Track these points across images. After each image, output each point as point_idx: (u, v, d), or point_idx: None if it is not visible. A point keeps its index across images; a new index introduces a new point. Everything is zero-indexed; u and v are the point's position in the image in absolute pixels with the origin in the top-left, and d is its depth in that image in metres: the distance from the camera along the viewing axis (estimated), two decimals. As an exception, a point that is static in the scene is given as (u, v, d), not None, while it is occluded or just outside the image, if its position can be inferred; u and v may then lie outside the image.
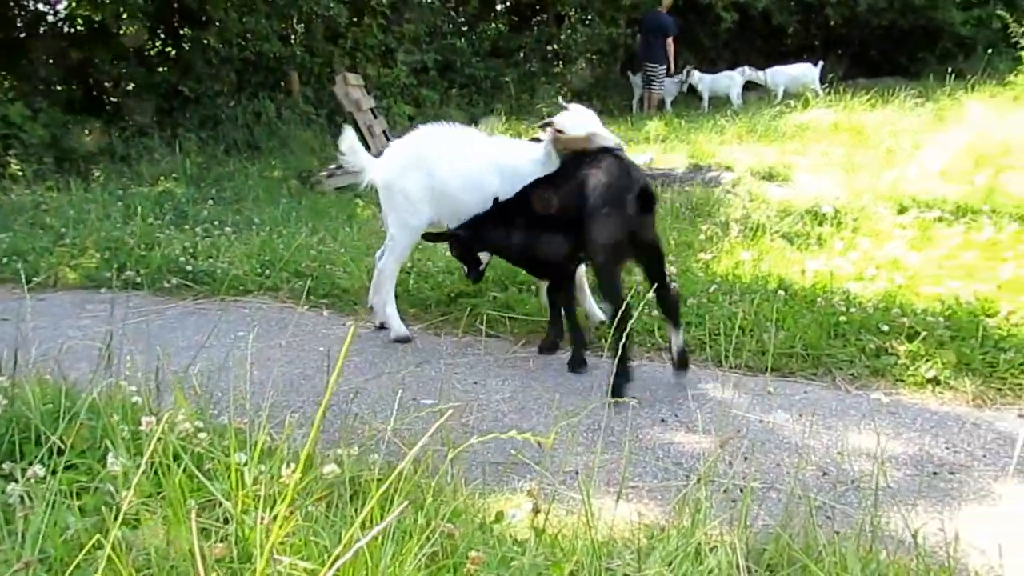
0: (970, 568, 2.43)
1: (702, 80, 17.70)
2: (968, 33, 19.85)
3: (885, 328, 4.25)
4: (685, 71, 17.62)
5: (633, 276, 4.99)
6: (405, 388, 3.96)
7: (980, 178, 6.94)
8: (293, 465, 2.18)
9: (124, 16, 15.27)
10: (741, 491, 2.77)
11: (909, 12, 19.82)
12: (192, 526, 1.22)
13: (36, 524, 1.94)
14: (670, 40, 16.62)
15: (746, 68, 17.18)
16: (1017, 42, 12.78)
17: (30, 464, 2.24)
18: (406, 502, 1.70)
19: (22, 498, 2.14)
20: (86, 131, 14.04)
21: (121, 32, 15.52)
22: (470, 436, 1.86)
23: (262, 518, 1.76)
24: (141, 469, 1.68)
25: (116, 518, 1.87)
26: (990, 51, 16.61)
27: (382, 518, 1.75)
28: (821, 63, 16.54)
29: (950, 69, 14.13)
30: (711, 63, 19.09)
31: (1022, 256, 5.11)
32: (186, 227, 8.06)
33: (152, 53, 16.93)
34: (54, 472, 2.15)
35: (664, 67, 16.85)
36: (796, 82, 16.06)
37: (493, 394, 4.00)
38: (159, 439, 2.09)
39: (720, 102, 17.32)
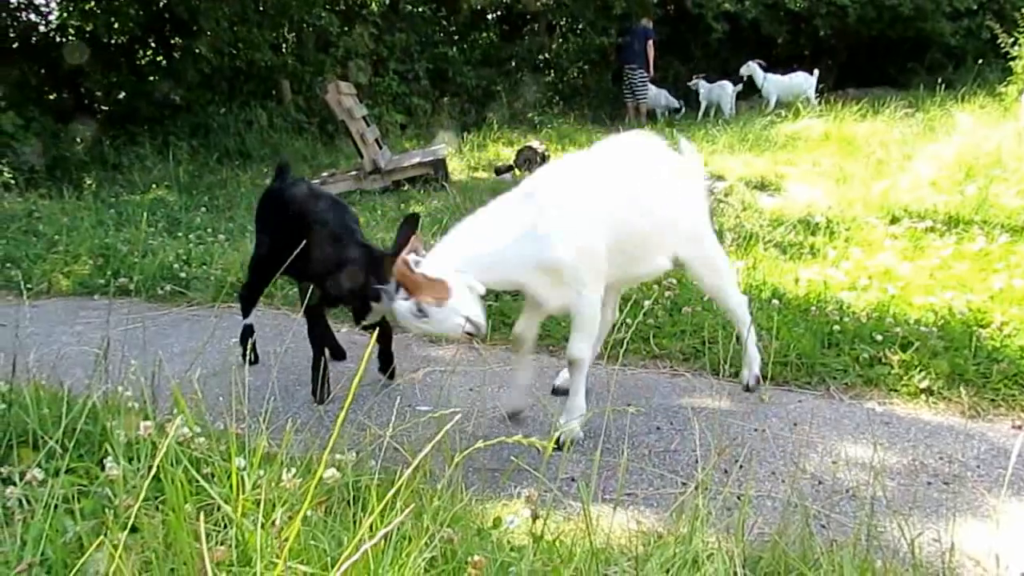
0: (965, 578, 2.45)
1: (701, 89, 17.80)
2: (957, 44, 20.03)
3: (879, 338, 4.26)
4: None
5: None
6: (402, 395, 3.96)
7: (971, 189, 6.98)
8: (293, 470, 2.19)
9: (115, 26, 15.29)
10: (738, 499, 2.78)
11: (898, 23, 19.96)
12: (200, 529, 1.22)
13: (36, 527, 1.93)
14: (651, 43, 16.81)
15: (751, 63, 17.09)
16: (1007, 53, 12.88)
17: (28, 468, 2.24)
18: (411, 505, 1.70)
19: (21, 502, 2.14)
20: (77, 139, 14.04)
21: (112, 42, 15.54)
22: (468, 443, 1.86)
23: (271, 523, 1.76)
24: (145, 475, 1.68)
25: (116, 522, 1.88)
26: (979, 62, 16.72)
27: (382, 523, 1.75)
28: (816, 72, 16.59)
29: (940, 80, 14.23)
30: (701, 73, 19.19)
31: (1014, 267, 5.14)
32: (179, 234, 8.05)
33: (143, 62, 16.93)
34: (55, 474, 2.15)
35: (644, 71, 17.01)
36: (792, 91, 16.07)
37: (489, 401, 3.99)
38: (158, 444, 2.09)
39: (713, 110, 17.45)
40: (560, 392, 3.96)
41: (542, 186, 3.46)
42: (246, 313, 4.59)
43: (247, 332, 4.57)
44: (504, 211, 3.40)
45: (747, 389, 4.01)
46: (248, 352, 4.53)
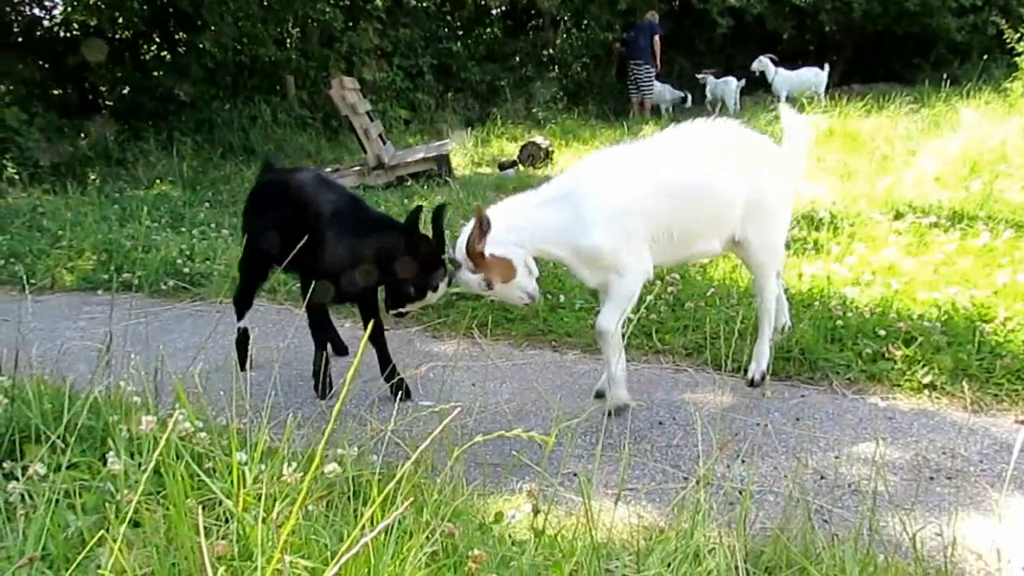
0: (967, 573, 2.44)
1: (708, 84, 17.74)
2: (963, 39, 19.96)
3: (882, 333, 4.24)
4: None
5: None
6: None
7: (976, 184, 6.95)
8: (294, 464, 2.19)
9: (120, 21, 15.30)
10: (740, 493, 2.77)
11: (904, 18, 19.89)
12: (201, 523, 1.22)
13: (38, 522, 1.94)
14: (657, 38, 16.80)
15: (763, 57, 16.93)
16: (1012, 48, 12.82)
17: (31, 463, 2.24)
18: (411, 498, 1.70)
19: (23, 496, 2.14)
20: (81, 135, 14.08)
21: (116, 37, 15.55)
22: (469, 438, 1.86)
23: (271, 518, 1.76)
24: (145, 469, 1.68)
25: (117, 516, 1.88)
26: (985, 57, 16.65)
27: (383, 518, 1.76)
28: (827, 67, 16.49)
29: (945, 75, 14.16)
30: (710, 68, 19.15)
31: (1018, 262, 5.11)
32: (182, 230, 8.07)
33: (147, 57, 16.95)
34: (57, 469, 2.16)
35: (649, 66, 17.01)
36: (801, 86, 15.94)
37: (492, 396, 4.00)
38: (159, 439, 2.09)
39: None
40: (602, 395, 3.87)
41: (592, 172, 3.57)
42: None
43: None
44: (556, 192, 3.53)
45: (751, 384, 3.99)
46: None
